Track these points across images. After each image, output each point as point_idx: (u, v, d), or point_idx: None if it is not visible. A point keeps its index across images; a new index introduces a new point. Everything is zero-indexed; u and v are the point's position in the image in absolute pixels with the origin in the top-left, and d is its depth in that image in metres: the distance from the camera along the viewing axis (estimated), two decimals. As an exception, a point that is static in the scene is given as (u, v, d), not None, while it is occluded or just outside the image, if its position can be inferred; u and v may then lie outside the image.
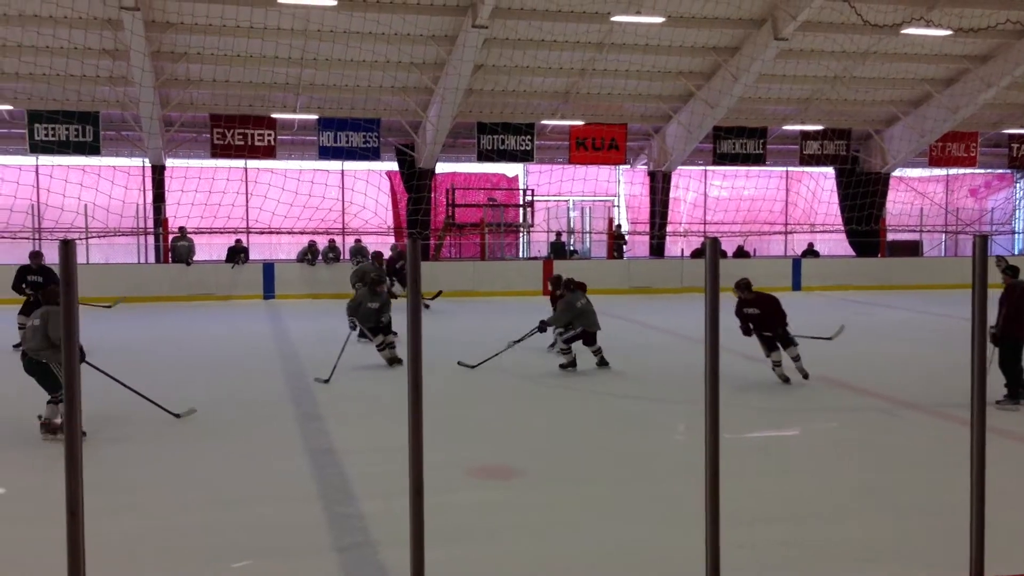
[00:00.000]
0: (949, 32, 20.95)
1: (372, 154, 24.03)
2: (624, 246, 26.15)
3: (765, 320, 11.06)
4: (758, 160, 26.66)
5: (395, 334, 12.54)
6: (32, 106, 21.56)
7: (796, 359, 11.03)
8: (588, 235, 28.25)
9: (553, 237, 26.22)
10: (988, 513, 2.63)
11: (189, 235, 22.30)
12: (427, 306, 17.59)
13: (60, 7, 18.26)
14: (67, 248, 2.24)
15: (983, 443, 2.61)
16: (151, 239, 23.86)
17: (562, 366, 12.00)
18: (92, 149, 22.07)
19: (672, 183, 27.30)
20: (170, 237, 22.62)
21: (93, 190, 23.08)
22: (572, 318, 11.94)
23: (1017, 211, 31.67)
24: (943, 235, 29.87)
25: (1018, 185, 31.43)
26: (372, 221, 26.39)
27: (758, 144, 26.33)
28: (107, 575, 5.07)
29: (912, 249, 28.37)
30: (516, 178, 27.95)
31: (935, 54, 23.84)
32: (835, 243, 29.18)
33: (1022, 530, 5.89)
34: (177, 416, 9.06)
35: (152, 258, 23.80)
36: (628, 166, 27.75)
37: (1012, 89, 24.89)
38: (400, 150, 24.80)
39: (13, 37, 19.24)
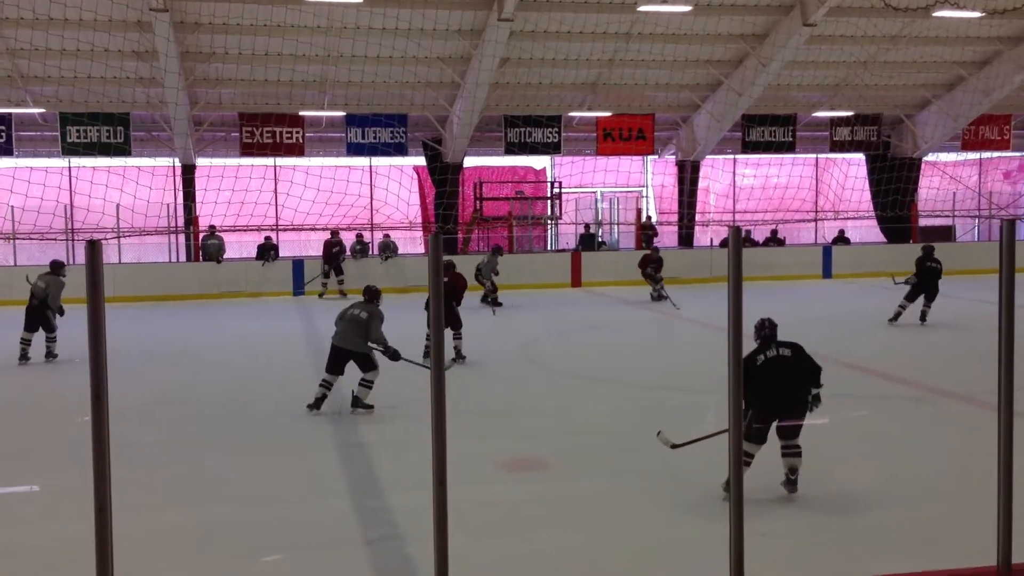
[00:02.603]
0: (980, 14, 20.60)
1: (399, 149, 24.08)
2: (653, 237, 26.03)
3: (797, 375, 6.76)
4: (788, 147, 26.41)
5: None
6: (64, 109, 21.83)
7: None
8: (616, 226, 28.16)
9: (582, 229, 26.18)
10: (1017, 499, 2.60)
11: (219, 233, 22.50)
12: (495, 306, 17.66)
13: (89, 11, 18.45)
14: (94, 249, 2.27)
15: (1011, 430, 2.58)
16: (182, 238, 24.10)
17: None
18: (123, 150, 22.30)
19: (700, 172, 27.11)
20: (200, 236, 22.84)
21: (124, 191, 23.33)
22: None
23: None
24: (976, 219, 29.45)
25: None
26: (399, 216, 26.46)
27: (787, 131, 26.07)
28: (136, 572, 5.15)
29: (945, 234, 27.98)
30: (543, 170, 27.89)
31: (966, 36, 23.46)
32: (866, 230, 28.85)
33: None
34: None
35: (183, 257, 24.04)
36: (656, 156, 27.59)
37: (1046, 70, 24.46)
38: (427, 145, 24.83)
39: (44, 41, 19.47)
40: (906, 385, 10.36)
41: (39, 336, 12.91)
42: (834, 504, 6.29)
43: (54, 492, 7.10)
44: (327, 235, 21.89)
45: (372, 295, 9.49)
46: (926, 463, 7.32)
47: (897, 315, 15.18)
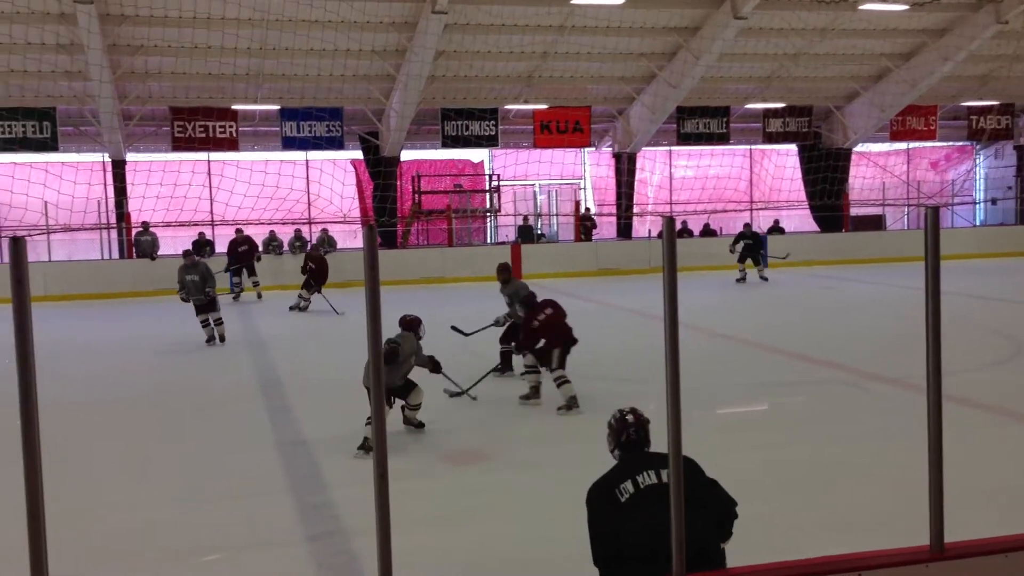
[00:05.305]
0: (905, 7, 21.12)
1: (335, 143, 23.85)
2: (592, 228, 26.20)
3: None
4: (722, 139, 26.80)
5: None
6: (-14, 103, 21.19)
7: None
8: (555, 218, 28.28)
9: (520, 221, 26.21)
10: (947, 481, 2.68)
11: (152, 230, 22.05)
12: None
13: (8, 2, 17.91)
14: (17, 245, 2.21)
15: (939, 412, 2.65)
16: (114, 235, 23.56)
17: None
18: (50, 146, 21.72)
19: (637, 164, 27.37)
20: (133, 232, 22.36)
21: (52, 188, 22.73)
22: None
23: (977, 182, 32.09)
24: (905, 208, 30.20)
25: (978, 157, 31.82)
26: (337, 210, 26.22)
27: (721, 123, 26.44)
28: (74, 573, 5.03)
29: (875, 223, 28.65)
30: (482, 163, 27.89)
31: (892, 29, 24.02)
32: (800, 219, 29.41)
33: (980, 496, 6.00)
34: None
35: (116, 254, 23.51)
36: (593, 148, 27.76)
37: (969, 62, 25.14)
38: (364, 138, 24.63)
39: (-36, 33, 18.86)
40: (840, 370, 10.59)
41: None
42: (774, 490, 6.40)
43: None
44: (265, 230, 21.61)
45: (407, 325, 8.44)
46: (862, 446, 7.49)
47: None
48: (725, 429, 8.31)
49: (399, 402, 8.16)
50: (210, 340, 13.74)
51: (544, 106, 24.94)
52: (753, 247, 21.31)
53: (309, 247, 21.29)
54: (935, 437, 2.67)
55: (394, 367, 7.85)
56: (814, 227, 28.44)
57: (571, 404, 8.86)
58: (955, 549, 2.70)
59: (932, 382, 2.65)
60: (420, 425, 8.38)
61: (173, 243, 23.38)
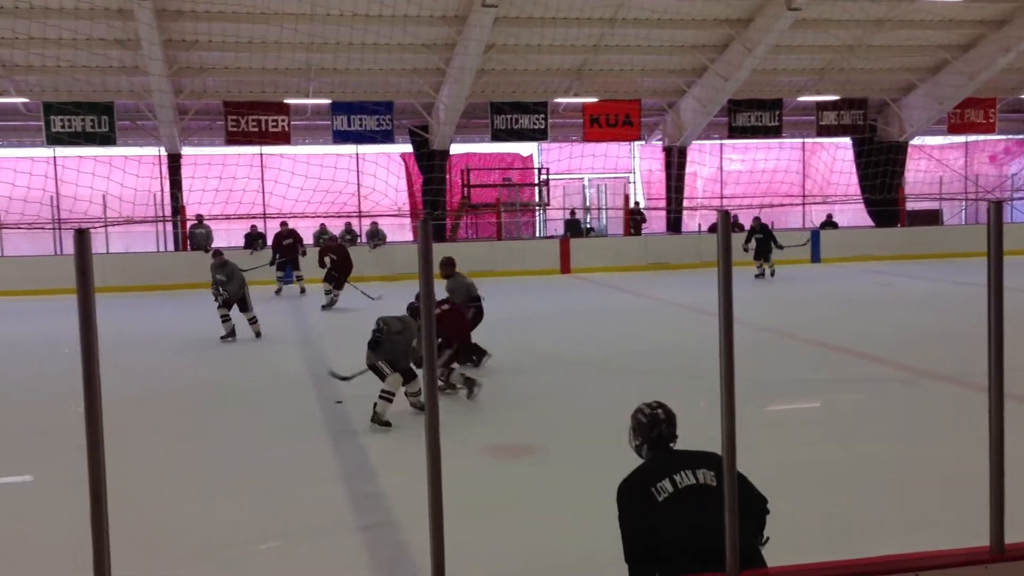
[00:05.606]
0: (965, -3, 20.68)
1: (386, 137, 24.00)
2: (642, 223, 26.06)
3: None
4: (774, 132, 26.46)
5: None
6: (47, 98, 21.66)
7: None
8: (604, 212, 28.17)
9: (568, 215, 26.16)
10: (1008, 481, 2.62)
11: (206, 223, 22.40)
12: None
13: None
14: (82, 237, 2.26)
15: (1002, 411, 2.59)
16: (170, 227, 23.98)
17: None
18: (108, 139, 22.16)
19: (688, 158, 27.15)
20: (188, 225, 22.73)
21: (110, 180, 23.21)
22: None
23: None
24: (963, 203, 29.58)
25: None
26: (387, 203, 26.40)
27: (774, 116, 26.11)
28: (132, 560, 5.14)
29: (932, 218, 28.12)
30: (531, 157, 27.87)
31: (951, 20, 23.51)
32: (854, 214, 28.96)
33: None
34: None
35: (171, 246, 23.93)
36: (643, 142, 27.59)
37: (1030, 53, 24.55)
38: (413, 132, 24.75)
39: (27, 30, 19.28)
40: (896, 368, 10.42)
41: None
42: (829, 489, 6.32)
43: (48, 482, 7.08)
44: (315, 223, 21.77)
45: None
46: (918, 446, 7.37)
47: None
48: (775, 426, 8.23)
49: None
50: (226, 336, 13.49)
51: (594, 99, 24.84)
52: (764, 241, 20.89)
53: (325, 240, 20.48)
54: (996, 436, 2.61)
55: (396, 350, 8.40)
56: (868, 222, 27.98)
57: (470, 386, 9.09)
58: (1016, 550, 2.64)
59: (994, 379, 2.60)
60: (423, 408, 8.45)
61: (226, 236, 23.74)
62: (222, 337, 13.50)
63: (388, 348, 8.40)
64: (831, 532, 5.45)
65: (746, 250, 20.75)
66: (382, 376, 8.36)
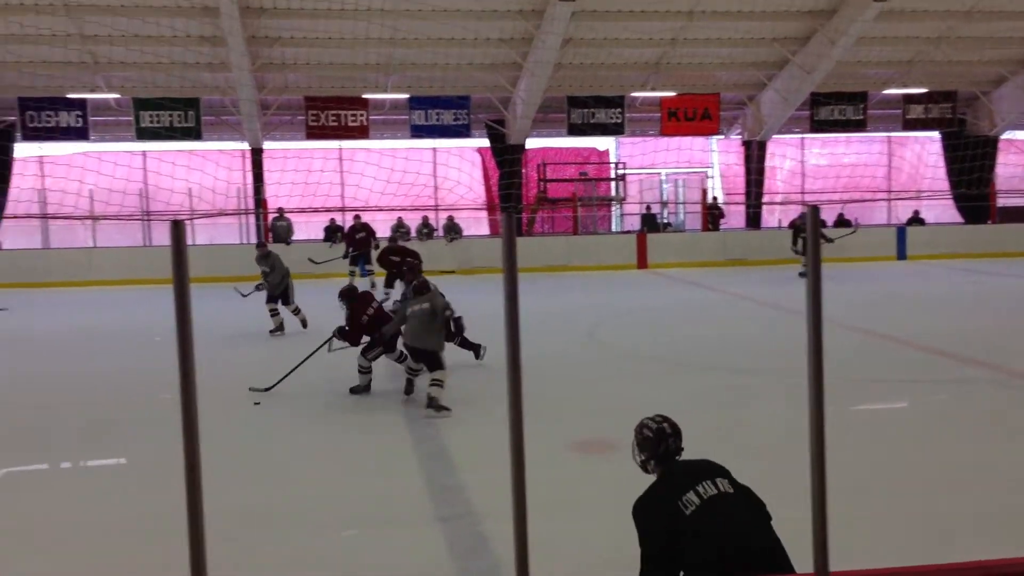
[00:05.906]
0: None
1: (463, 131, 24.14)
2: (720, 218, 25.73)
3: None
4: (858, 126, 25.83)
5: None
6: (137, 94, 22.35)
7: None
8: (682, 207, 27.88)
9: (645, 210, 25.97)
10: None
11: (287, 215, 22.85)
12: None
13: (160, -3, 18.86)
14: (178, 228, 2.31)
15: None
16: (252, 220, 24.54)
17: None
18: (195, 134, 22.77)
19: (768, 152, 26.69)
20: (270, 217, 23.21)
21: (198, 173, 23.86)
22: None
23: None
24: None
25: None
26: (465, 197, 26.57)
27: (858, 109, 25.49)
28: (222, 544, 5.27)
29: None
30: (607, 151, 27.73)
31: (1046, 9, 22.66)
32: (942, 210, 28.12)
33: None
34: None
35: (254, 238, 24.45)
36: (722, 136, 27.21)
37: None
38: (490, 126, 24.84)
39: (118, 27, 19.91)
40: (986, 368, 10.09)
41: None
42: (916, 491, 6.16)
43: (140, 465, 7.31)
44: (392, 217, 21.99)
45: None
46: (1008, 447, 7.13)
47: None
48: (862, 427, 8.04)
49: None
50: (275, 331, 13.63)
51: (672, 93, 24.58)
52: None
53: (384, 241, 18.92)
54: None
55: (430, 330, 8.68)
56: (957, 218, 27.14)
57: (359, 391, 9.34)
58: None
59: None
60: (439, 409, 8.46)
61: (306, 228, 24.19)
62: (271, 331, 13.66)
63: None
64: (923, 535, 5.30)
65: (796, 251, 20.17)
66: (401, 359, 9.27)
